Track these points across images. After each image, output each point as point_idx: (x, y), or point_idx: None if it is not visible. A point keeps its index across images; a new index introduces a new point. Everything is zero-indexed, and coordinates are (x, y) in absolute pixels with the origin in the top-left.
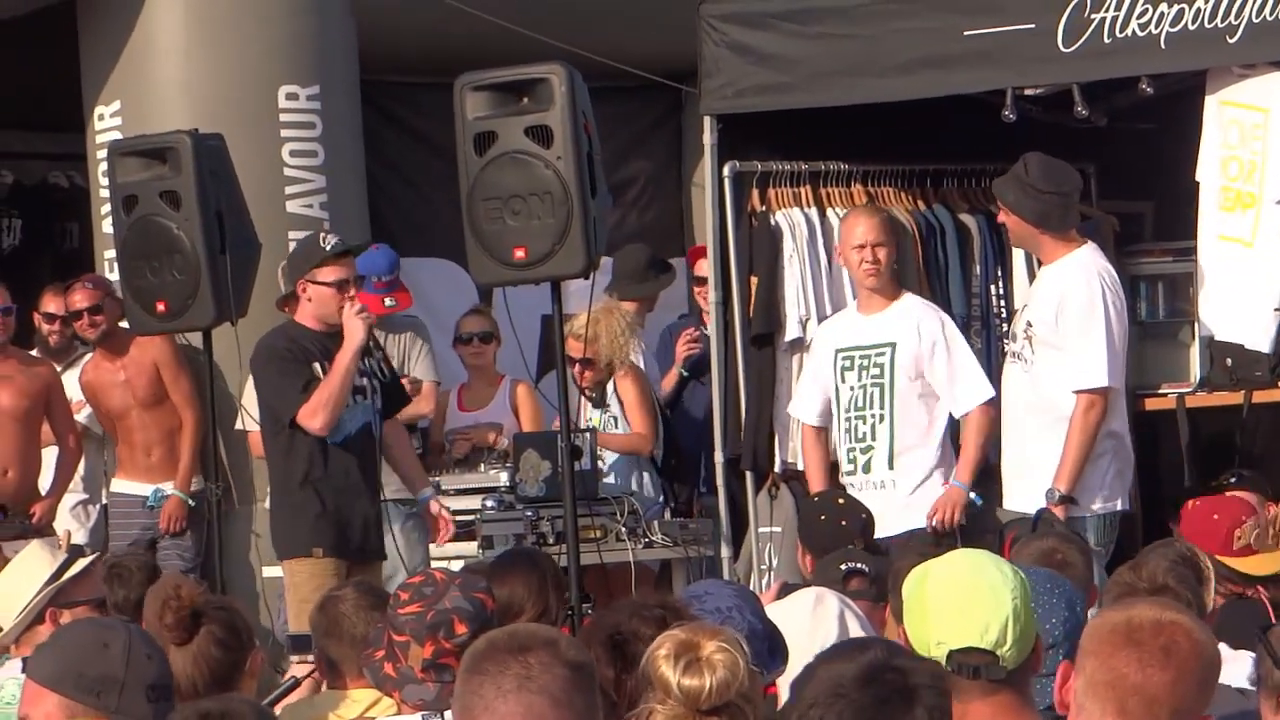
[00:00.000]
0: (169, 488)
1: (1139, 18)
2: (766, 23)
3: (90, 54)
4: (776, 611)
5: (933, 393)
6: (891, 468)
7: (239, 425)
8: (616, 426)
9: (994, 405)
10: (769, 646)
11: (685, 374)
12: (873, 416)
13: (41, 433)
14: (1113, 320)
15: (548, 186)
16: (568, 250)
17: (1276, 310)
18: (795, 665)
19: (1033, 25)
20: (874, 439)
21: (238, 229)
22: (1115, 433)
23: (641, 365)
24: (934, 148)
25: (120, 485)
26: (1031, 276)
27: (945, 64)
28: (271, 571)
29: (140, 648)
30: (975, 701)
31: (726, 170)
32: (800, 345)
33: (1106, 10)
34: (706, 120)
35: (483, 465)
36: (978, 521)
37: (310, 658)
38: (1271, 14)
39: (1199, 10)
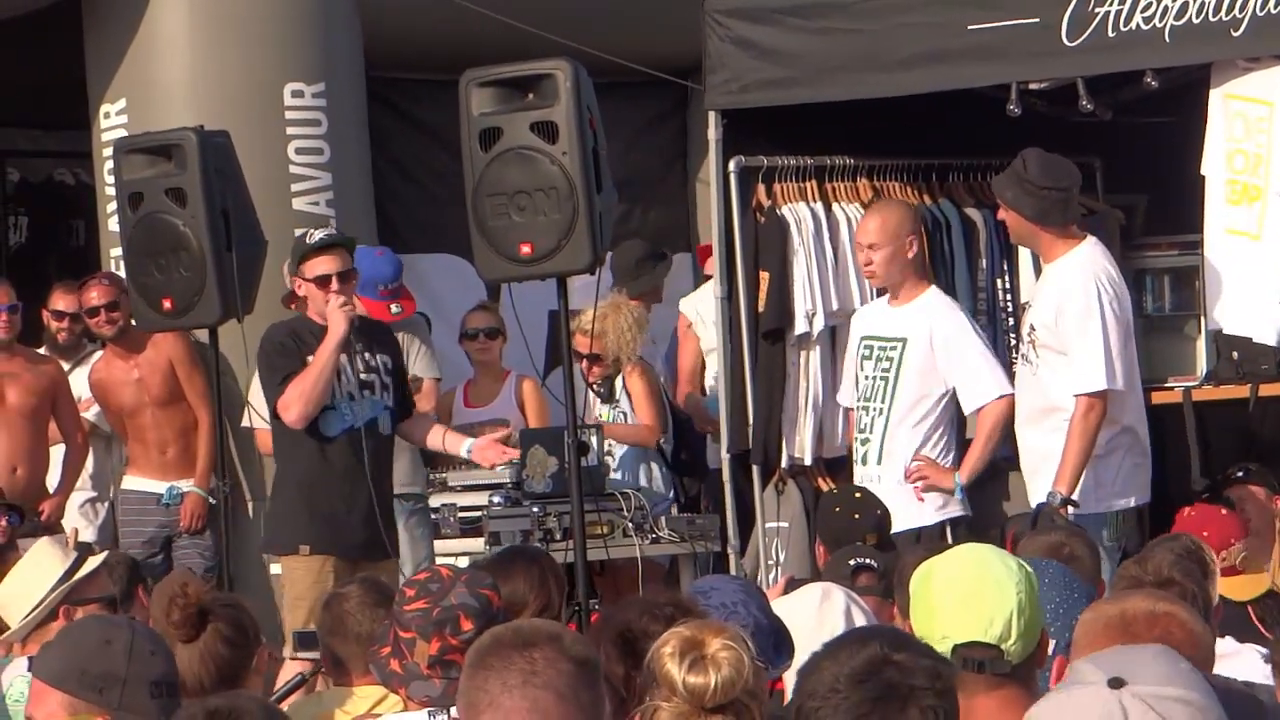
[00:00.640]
0: (185, 485)
1: (1143, 11)
2: (771, 18)
3: (96, 51)
4: (783, 607)
5: (936, 396)
6: (880, 462)
7: (245, 422)
8: (626, 422)
9: (1007, 401)
10: (774, 642)
11: None
12: (874, 410)
13: (49, 430)
14: (1110, 322)
15: (553, 182)
16: (573, 246)
17: None
18: (801, 661)
19: (1037, 19)
20: (871, 432)
21: (243, 226)
22: (1129, 428)
23: (649, 360)
24: (939, 142)
25: (132, 482)
26: (1038, 271)
27: (949, 58)
28: (278, 568)
29: (144, 645)
30: (980, 695)
31: (732, 165)
32: (807, 340)
33: (1111, 4)
34: (711, 115)
35: None
36: (981, 519)
37: (307, 654)
38: (1276, 7)
39: (1203, 3)
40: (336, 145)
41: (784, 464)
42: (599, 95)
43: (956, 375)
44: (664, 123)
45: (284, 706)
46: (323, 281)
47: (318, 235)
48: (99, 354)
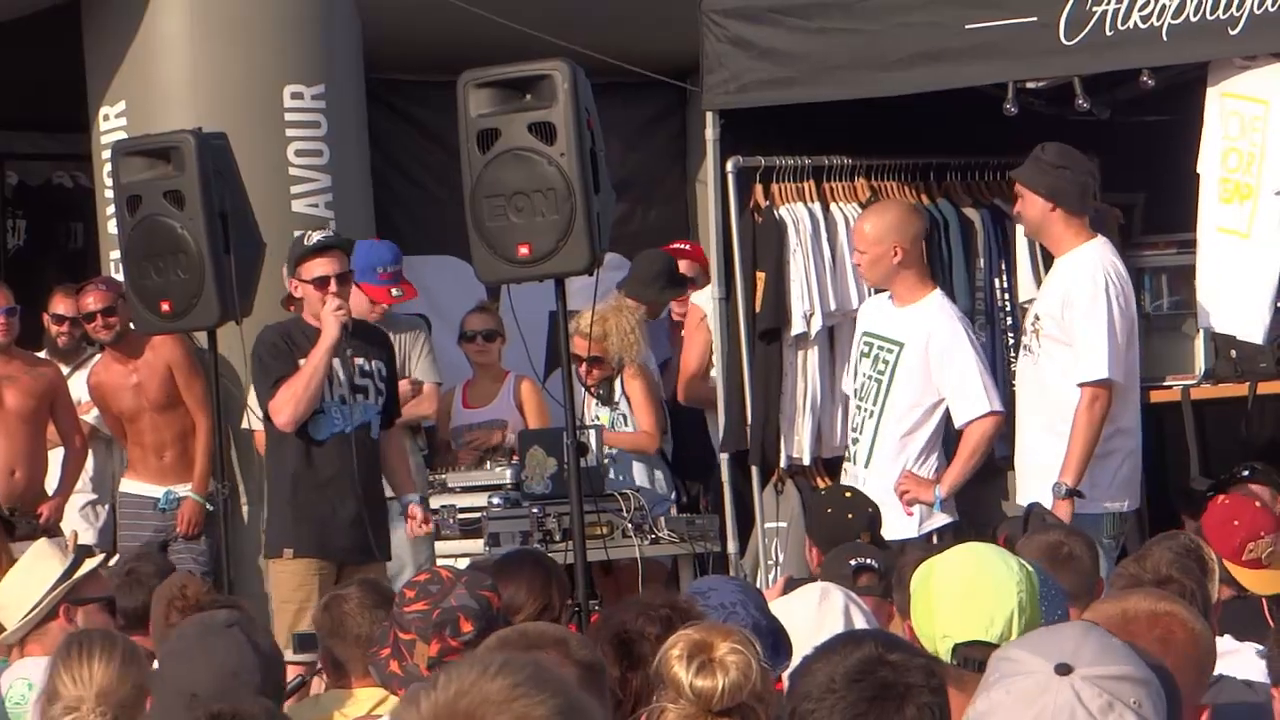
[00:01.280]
0: (182, 490)
1: (1140, 10)
2: (768, 17)
3: (95, 54)
4: (781, 607)
5: (928, 406)
6: (867, 466)
7: (245, 424)
8: (626, 424)
9: (995, 419)
10: (773, 643)
11: None
12: (865, 410)
13: (48, 433)
14: (1115, 315)
15: (551, 183)
16: (572, 247)
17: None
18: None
19: (1035, 18)
20: (861, 432)
21: (242, 229)
22: (1126, 430)
23: (649, 364)
24: (937, 142)
25: (131, 486)
26: (1035, 270)
27: (947, 58)
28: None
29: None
30: None
31: (729, 165)
32: (805, 340)
33: (1108, 3)
34: (709, 115)
35: (489, 462)
36: (979, 520)
37: (306, 657)
38: (1273, 5)
39: (1200, 2)
40: (336, 147)
41: (782, 464)
42: (597, 96)
43: (948, 386)
44: (662, 123)
45: (284, 708)
46: (320, 283)
47: (315, 237)
48: (98, 358)
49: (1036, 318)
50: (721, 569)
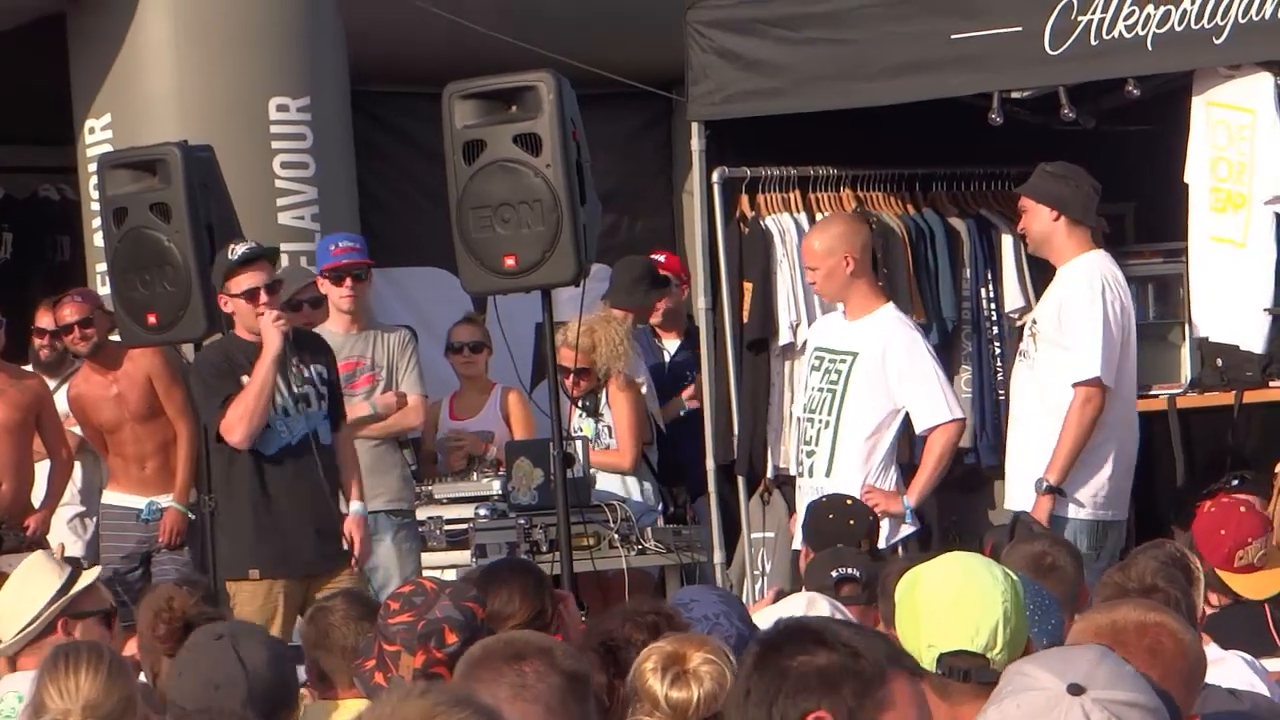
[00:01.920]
0: (164, 500)
1: (1125, 19)
2: (753, 28)
3: (80, 67)
4: (767, 617)
5: (885, 414)
6: (828, 475)
7: None
8: (610, 437)
9: (957, 425)
10: None
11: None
12: (820, 422)
13: (34, 446)
14: (1111, 320)
15: (537, 194)
16: (558, 258)
17: (1267, 310)
18: None
19: (1020, 28)
20: (817, 444)
21: (228, 241)
22: (1117, 438)
23: (638, 375)
24: (923, 152)
25: (113, 497)
26: (1021, 280)
27: (932, 68)
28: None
29: None
30: (966, 704)
31: (715, 176)
32: (792, 350)
33: (1093, 12)
34: (694, 126)
35: (475, 474)
36: (965, 528)
37: None
38: (1258, 14)
39: (1185, 11)
40: (321, 159)
41: (769, 474)
42: (582, 107)
43: (908, 395)
44: (648, 134)
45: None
46: (250, 296)
47: (239, 250)
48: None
49: (1034, 322)
50: (710, 579)
